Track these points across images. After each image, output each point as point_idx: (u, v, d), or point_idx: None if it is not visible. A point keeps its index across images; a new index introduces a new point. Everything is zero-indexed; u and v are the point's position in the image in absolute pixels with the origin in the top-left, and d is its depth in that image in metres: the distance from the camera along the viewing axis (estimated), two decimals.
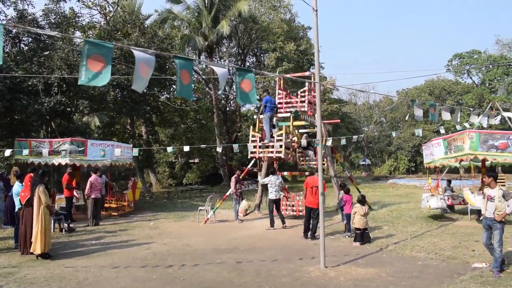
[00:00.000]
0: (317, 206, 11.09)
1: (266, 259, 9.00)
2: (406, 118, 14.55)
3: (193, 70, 5.90)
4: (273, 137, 14.28)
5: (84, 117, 26.25)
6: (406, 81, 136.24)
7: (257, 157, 14.69)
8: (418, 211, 16.29)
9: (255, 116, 15.54)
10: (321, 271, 7.98)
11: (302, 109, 15.06)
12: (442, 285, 6.93)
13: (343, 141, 10.86)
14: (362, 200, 11.00)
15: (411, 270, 7.97)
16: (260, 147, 14.10)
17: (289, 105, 15.42)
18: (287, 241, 11.20)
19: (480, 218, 7.75)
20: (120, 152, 13.68)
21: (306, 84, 14.99)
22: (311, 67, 37.58)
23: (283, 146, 13.74)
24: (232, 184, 15.08)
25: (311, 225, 11.37)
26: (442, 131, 13.85)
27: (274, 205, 13.33)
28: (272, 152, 14.00)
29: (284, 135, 13.99)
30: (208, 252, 9.89)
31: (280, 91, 15.74)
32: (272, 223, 13.19)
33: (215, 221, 14.80)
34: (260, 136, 14.51)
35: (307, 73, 18.97)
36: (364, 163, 62.37)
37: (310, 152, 17.16)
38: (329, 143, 11.24)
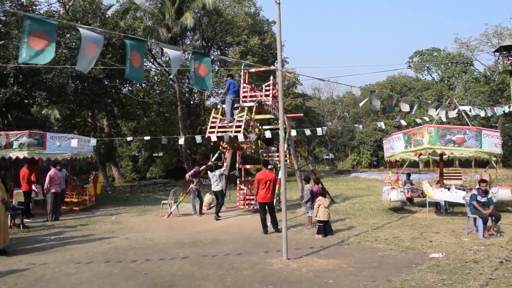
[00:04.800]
0: (270, 200, 11.21)
1: (229, 252, 9.00)
2: (361, 104, 14.82)
3: (144, 53, 5.77)
4: (234, 119, 14.16)
5: (43, 110, 25.46)
6: (368, 77, 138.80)
7: (216, 136, 14.00)
8: (379, 203, 16.67)
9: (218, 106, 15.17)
10: (284, 263, 8.04)
11: (266, 102, 15.00)
12: (401, 275, 7.11)
13: (308, 132, 10.96)
14: (323, 193, 11.16)
15: (371, 261, 8.15)
16: (219, 128, 13.83)
17: (254, 98, 15.27)
18: (250, 234, 11.21)
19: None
20: (77, 143, 13.36)
21: (271, 78, 14.97)
22: (276, 61, 37.72)
23: (243, 127, 13.50)
24: (188, 176, 15.07)
25: (271, 219, 11.43)
26: (404, 123, 14.21)
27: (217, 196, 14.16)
28: (231, 132, 13.63)
29: (245, 116, 13.77)
30: (170, 246, 9.80)
31: (245, 85, 15.62)
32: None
33: (178, 215, 14.68)
34: (221, 118, 14.30)
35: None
36: (327, 157, 63.37)
37: (273, 148, 17.19)
38: (293, 133, 11.30)
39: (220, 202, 14.04)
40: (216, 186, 14.00)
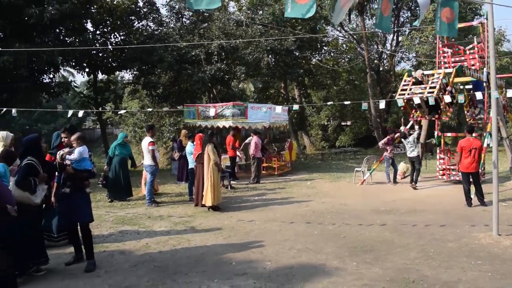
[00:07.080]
0: (475, 170, 10.22)
1: (429, 223, 8.58)
2: None
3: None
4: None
5: (240, 84, 27.81)
6: None
7: (405, 99, 12.93)
8: None
9: (413, 73, 14.17)
10: (493, 238, 7.32)
11: (470, 66, 13.53)
12: None
13: None
14: None
15: None
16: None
17: (456, 59, 14.20)
18: (451, 206, 10.47)
19: None
20: (280, 110, 14.52)
21: (475, 39, 13.49)
22: (475, 17, 33.69)
23: (437, 88, 12.22)
24: (381, 144, 14.76)
25: (475, 190, 10.48)
26: None
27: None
28: (422, 93, 12.38)
29: (441, 78, 12.53)
30: (366, 213, 9.82)
31: (445, 49, 14.56)
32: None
33: (371, 183, 14.54)
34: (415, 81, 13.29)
35: (474, 23, 16.99)
36: None
37: (478, 113, 15.42)
38: (509, 94, 9.97)
39: (417, 169, 13.39)
40: (412, 152, 13.39)
